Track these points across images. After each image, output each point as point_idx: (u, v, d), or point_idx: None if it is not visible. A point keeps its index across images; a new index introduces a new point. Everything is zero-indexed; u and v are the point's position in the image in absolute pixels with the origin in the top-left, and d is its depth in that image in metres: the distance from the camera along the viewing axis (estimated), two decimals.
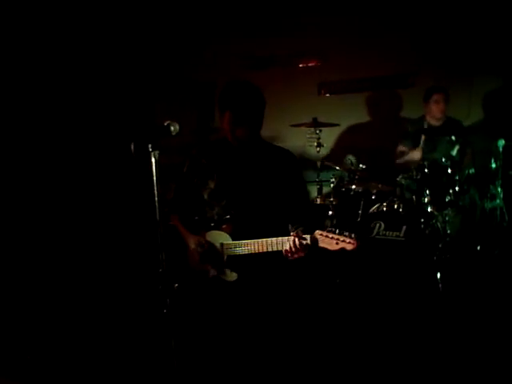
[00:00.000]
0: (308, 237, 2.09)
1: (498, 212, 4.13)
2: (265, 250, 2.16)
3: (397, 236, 3.84)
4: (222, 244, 2.29)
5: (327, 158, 5.09)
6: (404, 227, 3.84)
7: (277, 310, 2.32)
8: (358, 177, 4.31)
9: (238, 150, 2.36)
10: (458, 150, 4.11)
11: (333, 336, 3.07)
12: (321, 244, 2.08)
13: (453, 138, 4.10)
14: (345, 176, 4.41)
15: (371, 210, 4.07)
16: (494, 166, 4.12)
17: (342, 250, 2.02)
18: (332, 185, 4.40)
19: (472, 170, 4.12)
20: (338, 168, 4.45)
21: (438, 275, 3.66)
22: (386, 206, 4.01)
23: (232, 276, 2.27)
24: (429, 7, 4.93)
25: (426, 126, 4.35)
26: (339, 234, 2.04)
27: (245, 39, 5.49)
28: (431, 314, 3.30)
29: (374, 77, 5.30)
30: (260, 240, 2.18)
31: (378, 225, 3.90)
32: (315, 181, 4.59)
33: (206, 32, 5.52)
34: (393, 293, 3.56)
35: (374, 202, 4.17)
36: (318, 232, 2.08)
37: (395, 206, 3.98)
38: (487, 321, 3.15)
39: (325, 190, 4.65)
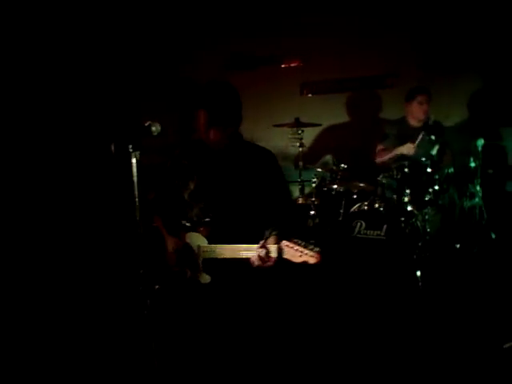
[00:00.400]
0: (275, 248, 2.07)
1: (477, 210, 4.20)
2: (237, 256, 2.15)
3: (378, 235, 3.88)
4: (198, 246, 2.29)
5: (309, 158, 5.13)
6: (385, 226, 3.88)
7: (250, 312, 2.31)
8: (339, 176, 4.36)
9: (217, 151, 2.34)
10: (438, 150, 4.15)
11: (312, 335, 3.08)
12: (285, 255, 2.05)
13: (432, 137, 4.14)
14: (327, 176, 4.44)
15: (352, 210, 4.11)
16: (473, 165, 4.19)
17: (305, 263, 1.99)
18: (314, 184, 4.43)
19: (451, 170, 4.19)
20: (319, 170, 4.49)
21: (418, 273, 3.71)
22: (367, 206, 4.05)
23: (206, 278, 2.27)
24: (409, 9, 5.00)
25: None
26: (304, 246, 2.01)
27: (227, 39, 5.49)
28: (411, 311, 3.34)
29: (355, 77, 5.36)
30: (233, 246, 2.17)
31: (359, 224, 3.94)
32: (297, 181, 4.62)
33: (188, 31, 5.50)
34: (374, 291, 3.60)
35: (355, 202, 4.21)
36: (284, 242, 2.05)
37: (376, 205, 4.03)
38: (466, 318, 3.20)
39: (307, 189, 4.69)
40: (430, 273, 3.73)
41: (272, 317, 2.39)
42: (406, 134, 4.33)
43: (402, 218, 3.94)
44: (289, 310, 3.13)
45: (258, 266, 2.12)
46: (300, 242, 2.03)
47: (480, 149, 4.18)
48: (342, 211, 4.25)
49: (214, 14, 5.43)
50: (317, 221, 4.31)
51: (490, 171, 4.33)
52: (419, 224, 3.96)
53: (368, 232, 3.91)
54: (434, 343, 2.94)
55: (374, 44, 5.11)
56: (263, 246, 2.08)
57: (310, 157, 5.18)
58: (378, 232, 3.89)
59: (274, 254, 2.07)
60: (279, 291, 2.43)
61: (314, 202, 4.36)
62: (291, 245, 2.03)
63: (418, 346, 2.91)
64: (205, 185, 2.36)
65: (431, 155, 4.07)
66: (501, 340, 2.78)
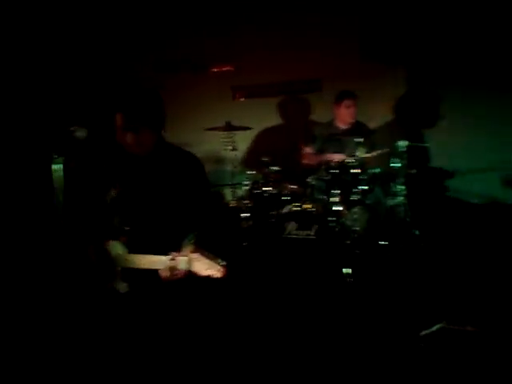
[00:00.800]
0: (184, 260, 2.02)
1: (402, 208, 4.39)
2: (154, 267, 2.09)
3: (308, 235, 3.99)
4: (118, 255, 2.22)
5: (243, 161, 5.19)
6: (315, 226, 4.00)
7: (169, 323, 2.25)
8: (271, 179, 4.43)
9: (137, 157, 2.28)
10: (364, 151, 4.32)
11: (241, 334, 3.08)
12: (193, 268, 2.00)
13: (358, 139, 4.31)
14: (259, 178, 4.50)
15: (284, 211, 4.19)
16: (396, 165, 4.39)
17: (211, 276, 1.95)
18: (247, 187, 4.48)
19: (377, 170, 4.38)
20: (253, 172, 4.54)
21: (348, 270, 3.83)
22: (298, 207, 4.15)
23: (123, 287, 2.21)
24: (335, 13, 5.17)
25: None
26: (212, 258, 1.98)
27: (158, 42, 5.43)
28: (340, 306, 3.44)
29: (286, 81, 5.47)
30: (150, 256, 2.11)
31: (290, 225, 4.03)
32: (229, 184, 4.65)
33: (119, 33, 5.39)
34: (304, 289, 3.68)
35: (286, 203, 4.29)
36: (193, 255, 2.01)
37: (306, 206, 4.13)
38: (390, 309, 3.34)
39: (240, 192, 4.73)
40: (357, 269, 3.86)
41: (195, 324, 2.34)
42: (333, 136, 4.49)
43: (332, 218, 4.07)
44: (215, 314, 3.11)
45: (166, 278, 2.05)
46: (208, 254, 1.99)
47: (403, 149, 4.38)
48: (274, 213, 4.31)
49: (146, 16, 5.36)
50: (250, 223, 4.35)
51: (413, 171, 4.52)
52: (348, 223, 4.11)
53: (299, 232, 4.01)
54: (360, 334, 3.04)
55: (304, 48, 5.25)
56: (173, 258, 2.04)
57: (246, 160, 5.26)
58: (309, 232, 4.00)
59: (182, 266, 2.02)
60: (203, 295, 2.38)
61: (246, 204, 4.40)
62: (200, 257, 1.99)
63: (345, 338, 3.00)
64: (125, 192, 2.29)
65: (357, 156, 4.25)
66: (419, 328, 2.95)
